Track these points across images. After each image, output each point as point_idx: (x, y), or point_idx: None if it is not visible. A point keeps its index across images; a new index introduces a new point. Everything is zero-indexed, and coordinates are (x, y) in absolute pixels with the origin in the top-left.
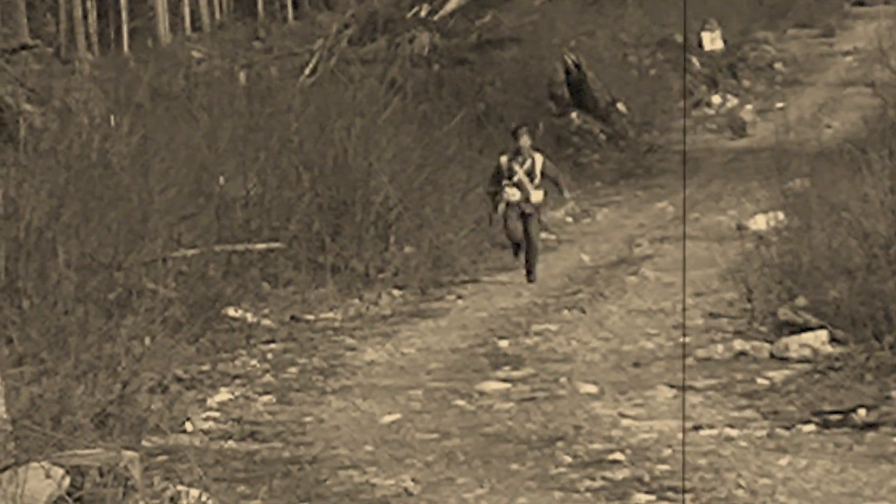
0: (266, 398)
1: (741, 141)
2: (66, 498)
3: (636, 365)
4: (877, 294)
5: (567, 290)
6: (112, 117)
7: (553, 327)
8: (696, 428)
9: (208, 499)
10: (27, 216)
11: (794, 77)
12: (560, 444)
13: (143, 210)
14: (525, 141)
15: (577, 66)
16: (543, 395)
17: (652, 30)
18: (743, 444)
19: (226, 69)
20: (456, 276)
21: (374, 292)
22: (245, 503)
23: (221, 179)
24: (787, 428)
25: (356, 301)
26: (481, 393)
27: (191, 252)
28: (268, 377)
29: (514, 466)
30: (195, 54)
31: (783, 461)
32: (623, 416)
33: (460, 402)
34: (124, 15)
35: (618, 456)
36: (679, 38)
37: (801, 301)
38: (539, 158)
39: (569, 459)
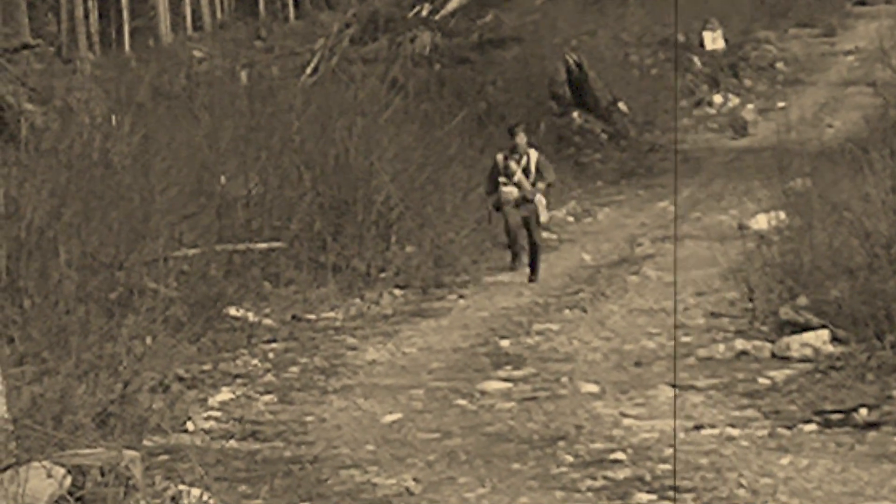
0: (267, 398)
1: (742, 140)
2: (68, 497)
3: (637, 364)
4: (878, 293)
5: (568, 290)
6: (113, 117)
7: (554, 327)
8: (698, 427)
9: (210, 498)
10: (28, 215)
11: (795, 76)
12: (561, 443)
13: (145, 209)
14: (521, 139)
15: (579, 65)
16: (545, 395)
17: (653, 29)
18: (744, 443)
19: (227, 69)
20: (457, 276)
21: (376, 292)
22: (246, 503)
23: (223, 179)
24: (789, 427)
25: (357, 300)
26: (483, 392)
27: (192, 251)
28: (269, 377)
29: (516, 466)
30: (196, 54)
31: (784, 461)
32: (624, 415)
33: (462, 402)
34: (126, 14)
35: (619, 455)
36: (681, 38)
37: (802, 300)
38: (534, 155)
39: (570, 459)
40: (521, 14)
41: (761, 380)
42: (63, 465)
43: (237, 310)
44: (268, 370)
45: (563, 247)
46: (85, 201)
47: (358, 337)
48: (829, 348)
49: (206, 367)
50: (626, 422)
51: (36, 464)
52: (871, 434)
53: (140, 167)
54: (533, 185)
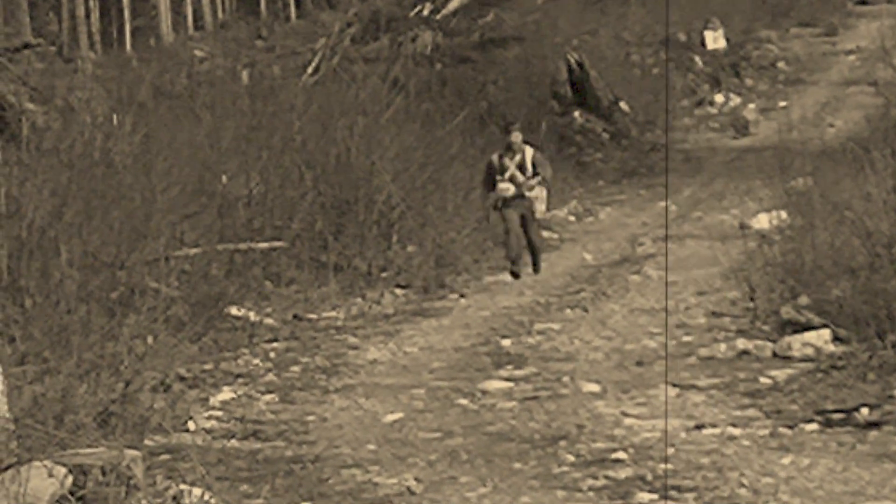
0: (269, 397)
1: (744, 140)
2: (69, 497)
3: (639, 364)
4: (879, 293)
5: (570, 289)
6: (115, 116)
7: (556, 326)
8: (699, 427)
9: (211, 498)
10: (30, 215)
11: (796, 76)
12: (563, 443)
13: (146, 209)
14: (516, 137)
15: (580, 64)
16: (546, 394)
17: (654, 28)
18: (745, 442)
19: (228, 68)
20: (458, 275)
21: (377, 291)
22: (248, 502)
23: (224, 178)
24: (790, 427)
25: (359, 300)
26: (484, 392)
27: (193, 251)
28: (270, 376)
29: (517, 465)
30: (198, 53)
31: (786, 460)
32: (626, 415)
33: (463, 401)
34: (127, 14)
35: (620, 455)
36: (682, 37)
37: (803, 300)
38: (529, 151)
39: (571, 458)
40: (522, 13)
41: (763, 379)
42: (64, 465)
43: (238, 309)
44: (269, 369)
45: (565, 246)
46: (86, 201)
47: (359, 336)
48: (831, 348)
49: (207, 367)
50: (628, 421)
51: (37, 463)
52: (873, 433)
53: (141, 167)
54: (529, 180)
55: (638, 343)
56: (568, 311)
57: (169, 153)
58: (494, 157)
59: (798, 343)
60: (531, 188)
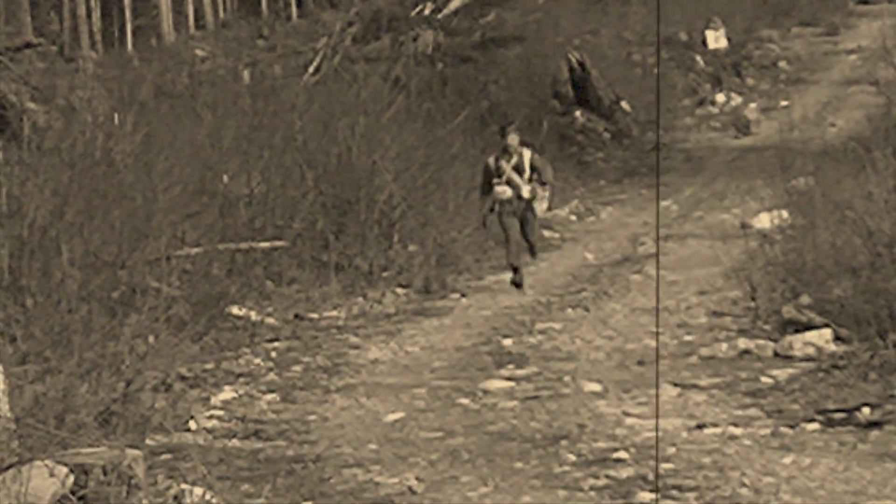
0: (270, 396)
1: (745, 139)
2: (70, 496)
3: (640, 363)
4: (881, 292)
5: (571, 289)
6: (116, 115)
7: (557, 326)
8: (700, 426)
9: (212, 497)
10: (31, 214)
11: (798, 75)
12: (564, 442)
13: (147, 208)
14: (513, 139)
15: (581, 64)
16: (547, 394)
17: (656, 28)
18: (747, 442)
19: (229, 67)
20: (460, 275)
21: (378, 291)
22: (249, 502)
23: (225, 178)
24: (791, 426)
25: (360, 299)
26: (485, 391)
27: (194, 250)
28: (271, 375)
29: (518, 465)
30: (199, 52)
31: (787, 459)
32: (627, 414)
33: (464, 401)
34: (128, 13)
35: (622, 454)
36: (684, 37)
37: (805, 299)
38: (527, 153)
39: (573, 458)
40: (523, 13)
41: (764, 379)
42: (65, 465)
43: (240, 309)
44: (270, 369)
45: (566, 246)
46: (87, 200)
47: (360, 336)
48: (832, 347)
49: (208, 366)
50: (629, 421)
51: (38, 463)
52: (874, 433)
53: (142, 166)
54: (527, 182)
55: (639, 343)
56: (569, 310)
57: (170, 152)
58: (491, 160)
59: (799, 342)
60: (534, 194)
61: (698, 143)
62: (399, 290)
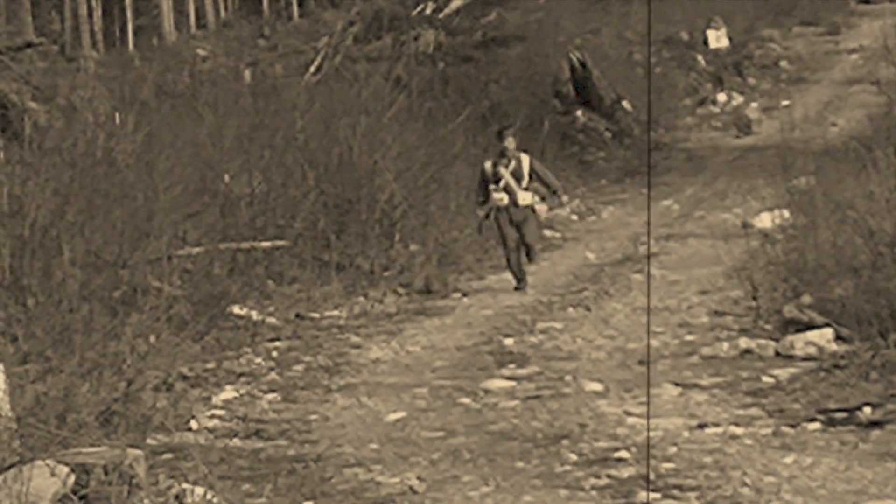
0: (271, 396)
1: (746, 139)
2: (71, 496)
3: (641, 363)
4: (882, 292)
5: (572, 288)
6: (117, 115)
7: (558, 325)
8: (702, 426)
9: (213, 497)
10: (32, 214)
11: (799, 75)
12: (565, 442)
13: (148, 208)
14: (510, 143)
15: (583, 63)
16: (549, 394)
17: (657, 28)
18: (748, 442)
19: (231, 67)
20: (461, 274)
21: (379, 290)
22: (250, 501)
23: (226, 177)
24: (793, 426)
25: (361, 299)
26: (486, 391)
27: (196, 250)
28: (273, 375)
29: (520, 464)
30: (200, 52)
31: (788, 459)
32: (628, 414)
33: (465, 401)
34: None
35: (623, 454)
36: (685, 36)
37: (806, 299)
38: (525, 159)
39: (574, 457)
40: (524, 12)
41: (765, 378)
42: (67, 464)
43: (241, 308)
44: (271, 368)
45: (567, 245)
46: (88, 200)
47: (361, 335)
48: (833, 347)
49: (209, 366)
50: (630, 420)
51: (40, 462)
52: (875, 432)
53: (144, 165)
54: (525, 189)
55: (640, 342)
56: (570, 309)
57: (171, 152)
58: (487, 165)
59: (801, 342)
60: (532, 201)
61: (700, 142)
62: (400, 290)
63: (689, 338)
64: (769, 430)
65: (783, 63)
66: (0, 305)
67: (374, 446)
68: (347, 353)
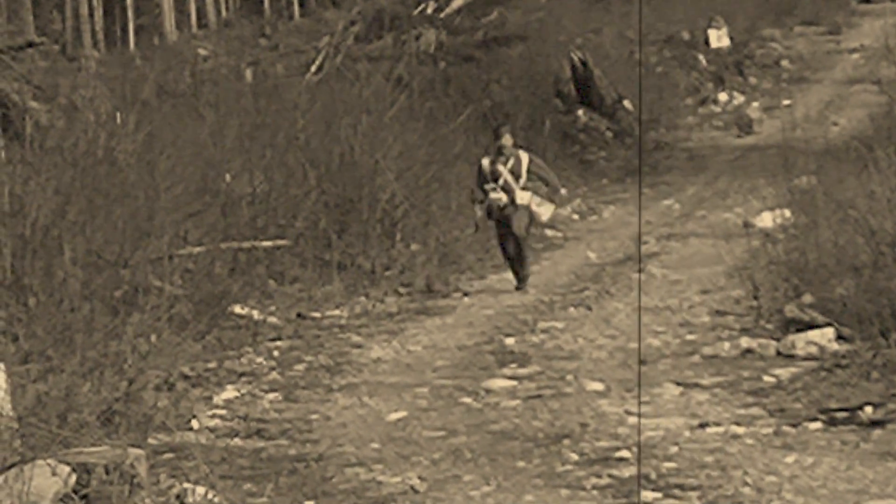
0: (272, 395)
1: (748, 138)
2: (72, 495)
3: (643, 362)
4: (883, 291)
5: (573, 288)
6: (118, 114)
7: (559, 325)
8: (703, 425)
9: (214, 496)
10: (33, 213)
11: (800, 74)
12: (566, 441)
13: (150, 207)
14: (507, 140)
15: (584, 63)
16: (550, 393)
17: (658, 27)
18: (749, 441)
19: (232, 66)
20: (462, 274)
21: (381, 290)
22: (251, 501)
23: (227, 177)
24: (794, 425)
25: (362, 298)
26: (488, 390)
27: (197, 249)
28: (274, 374)
29: (521, 464)
30: (201, 52)
31: (790, 459)
32: (629, 413)
33: (467, 400)
34: (130, 12)
35: (624, 454)
36: (686, 36)
37: (807, 298)
38: (524, 157)
39: (575, 457)
40: (526, 12)
41: (766, 378)
42: (68, 464)
43: (242, 308)
44: (273, 368)
45: (569, 244)
46: (90, 199)
47: (363, 335)
48: (835, 346)
49: (210, 365)
50: (632, 420)
51: (41, 462)
52: (876, 432)
53: (145, 165)
54: (523, 188)
55: (642, 342)
56: (572, 309)
57: (172, 151)
58: (485, 163)
59: (802, 341)
60: (530, 200)
61: (701, 141)
62: (401, 289)
63: (690, 337)
64: (770, 430)
65: (784, 62)
66: (1, 305)
67: (375, 446)
68: (349, 352)
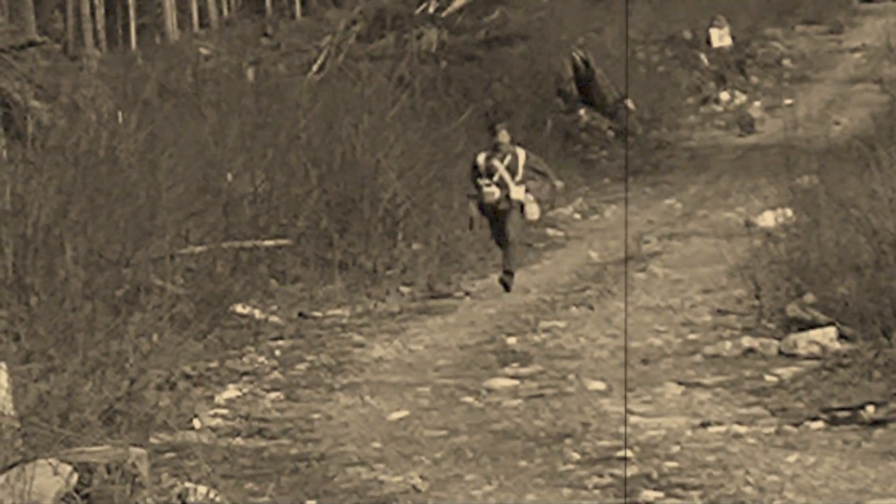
0: (274, 395)
1: (749, 137)
2: (74, 495)
3: (644, 362)
4: (885, 290)
5: (575, 287)
6: (120, 114)
7: (561, 324)
8: (705, 425)
9: (216, 496)
10: (35, 213)
11: (802, 74)
12: (568, 440)
13: (151, 207)
14: (504, 136)
15: (586, 62)
16: (551, 392)
17: (660, 26)
18: (751, 440)
19: (234, 66)
20: (464, 273)
21: (382, 289)
22: (253, 500)
23: (229, 176)
24: (796, 425)
25: (364, 298)
26: (489, 390)
27: (198, 249)
28: (276, 374)
29: (523, 463)
30: (203, 51)
31: (791, 458)
32: (631, 412)
33: (468, 399)
34: (132, 11)
35: (626, 453)
36: (688, 35)
37: (809, 298)
38: (521, 153)
39: (577, 456)
40: (527, 11)
41: (768, 377)
42: (69, 463)
43: (244, 307)
44: (274, 367)
45: (570, 244)
46: (91, 198)
47: (364, 334)
48: (836, 346)
49: (212, 365)
50: (633, 419)
51: (42, 461)
52: (878, 431)
53: (146, 164)
54: (518, 183)
55: (643, 341)
56: (573, 308)
57: (174, 151)
58: (480, 159)
59: (803, 341)
60: (525, 197)
61: (702, 141)
62: (403, 289)
63: (691, 336)
64: (772, 429)
65: (786, 62)
66: (3, 304)
67: (376, 445)
68: (350, 351)
